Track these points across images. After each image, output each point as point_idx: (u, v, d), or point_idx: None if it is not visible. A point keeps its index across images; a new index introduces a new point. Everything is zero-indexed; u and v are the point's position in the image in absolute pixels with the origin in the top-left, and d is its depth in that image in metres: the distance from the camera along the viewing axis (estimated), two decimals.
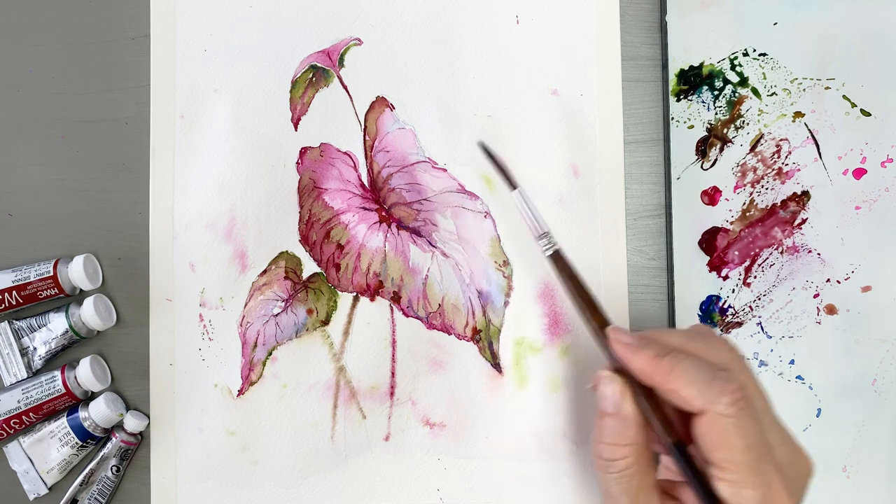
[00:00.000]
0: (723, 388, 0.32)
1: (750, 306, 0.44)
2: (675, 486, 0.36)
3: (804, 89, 0.44)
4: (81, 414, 0.44)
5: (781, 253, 0.44)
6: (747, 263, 0.44)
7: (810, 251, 0.44)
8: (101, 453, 0.44)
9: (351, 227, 0.45)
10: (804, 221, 0.44)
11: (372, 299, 0.45)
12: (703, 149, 0.44)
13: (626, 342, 0.35)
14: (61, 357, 0.45)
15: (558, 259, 0.39)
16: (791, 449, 0.33)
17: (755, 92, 0.44)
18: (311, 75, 0.46)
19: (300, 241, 0.45)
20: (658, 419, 0.34)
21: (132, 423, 0.44)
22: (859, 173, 0.44)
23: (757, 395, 0.33)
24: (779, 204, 0.44)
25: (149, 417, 0.45)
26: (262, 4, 0.46)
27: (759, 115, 0.44)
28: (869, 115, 0.44)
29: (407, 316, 0.45)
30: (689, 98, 0.44)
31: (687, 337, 0.35)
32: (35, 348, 0.44)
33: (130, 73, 0.47)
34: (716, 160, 0.44)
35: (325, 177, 0.45)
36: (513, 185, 0.41)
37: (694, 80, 0.44)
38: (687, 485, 0.34)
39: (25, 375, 0.44)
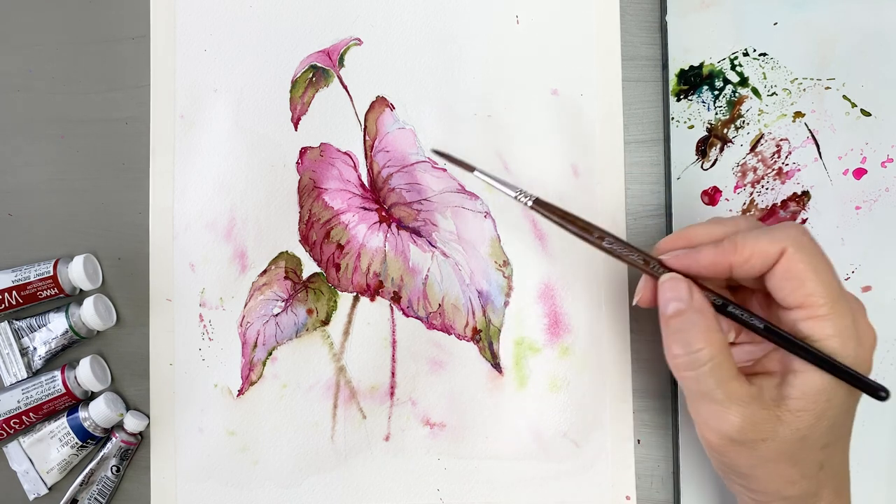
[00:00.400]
0: (786, 225, 0.33)
1: None
2: (754, 366, 0.36)
3: (804, 89, 0.44)
4: (81, 414, 0.44)
5: None
6: None
7: None
8: (101, 453, 0.44)
9: (351, 227, 0.45)
10: (804, 221, 0.44)
11: (372, 299, 0.45)
12: (703, 149, 0.44)
13: (681, 255, 0.35)
14: (61, 357, 0.45)
15: (544, 204, 0.38)
16: (850, 294, 0.34)
17: (755, 92, 0.44)
18: (311, 75, 0.46)
19: (300, 241, 0.45)
20: (740, 312, 0.34)
21: (132, 423, 0.44)
22: (859, 173, 0.44)
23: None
24: (779, 204, 0.44)
25: (149, 417, 0.45)
26: (262, 4, 0.46)
27: (759, 115, 0.44)
28: (869, 115, 0.44)
29: (407, 316, 0.45)
30: (690, 98, 0.44)
31: (713, 226, 0.36)
32: (35, 348, 0.44)
33: (130, 73, 0.47)
34: (716, 160, 0.44)
35: (325, 177, 0.45)
36: (470, 169, 0.41)
37: (694, 80, 0.44)
38: (769, 355, 0.35)
39: (25, 375, 0.44)
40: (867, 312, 0.35)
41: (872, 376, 0.33)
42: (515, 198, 0.39)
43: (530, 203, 0.39)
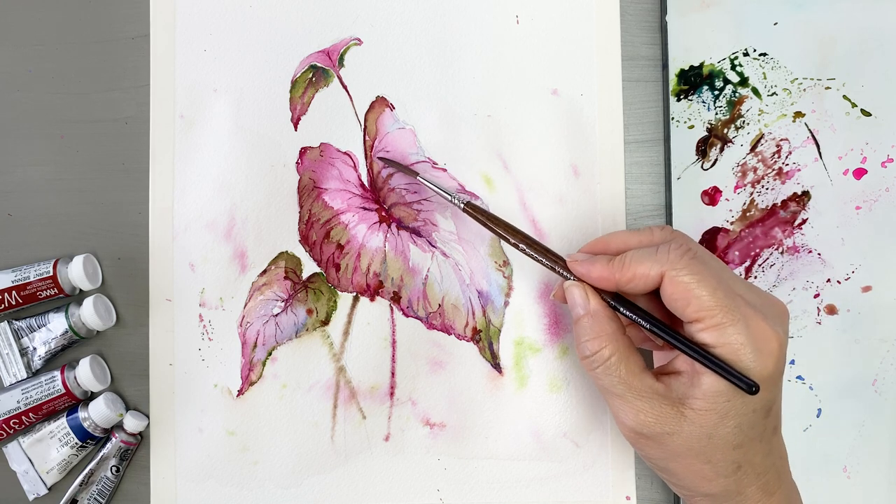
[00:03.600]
0: (667, 250, 0.35)
1: None
2: (667, 366, 0.38)
3: (804, 89, 0.44)
4: (81, 414, 0.44)
5: (782, 253, 0.44)
6: (748, 263, 0.44)
7: (811, 251, 0.44)
8: (101, 453, 0.44)
9: (351, 227, 0.45)
10: (804, 221, 0.44)
11: (372, 299, 0.45)
12: (703, 149, 0.44)
13: (580, 260, 0.38)
14: (61, 357, 0.45)
15: (475, 208, 0.42)
16: (759, 294, 0.36)
17: (755, 92, 0.44)
18: (310, 75, 0.46)
19: (300, 241, 0.45)
20: (629, 310, 0.37)
21: (132, 423, 0.44)
22: (860, 173, 0.44)
23: (705, 253, 0.36)
24: (779, 204, 0.44)
25: (148, 417, 0.45)
26: (262, 4, 0.46)
27: (759, 115, 0.44)
28: (869, 115, 0.44)
29: (407, 316, 0.45)
30: (690, 98, 0.44)
31: (629, 234, 0.39)
32: (35, 348, 0.44)
33: (130, 73, 0.47)
34: (716, 160, 0.44)
35: (325, 177, 0.45)
36: (414, 174, 0.44)
37: (694, 80, 0.44)
38: (679, 357, 0.37)
39: (25, 375, 0.44)
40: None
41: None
42: (451, 201, 0.42)
43: (462, 206, 0.42)
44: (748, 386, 0.33)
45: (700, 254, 0.36)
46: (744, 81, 0.44)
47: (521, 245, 0.40)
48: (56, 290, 0.44)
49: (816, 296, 0.44)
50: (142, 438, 0.45)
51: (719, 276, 0.35)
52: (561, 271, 0.39)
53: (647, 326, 0.37)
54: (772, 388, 0.34)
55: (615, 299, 0.38)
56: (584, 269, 0.38)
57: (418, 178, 0.43)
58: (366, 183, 0.45)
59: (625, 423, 0.36)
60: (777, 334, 0.34)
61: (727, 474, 0.35)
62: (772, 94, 0.44)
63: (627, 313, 0.37)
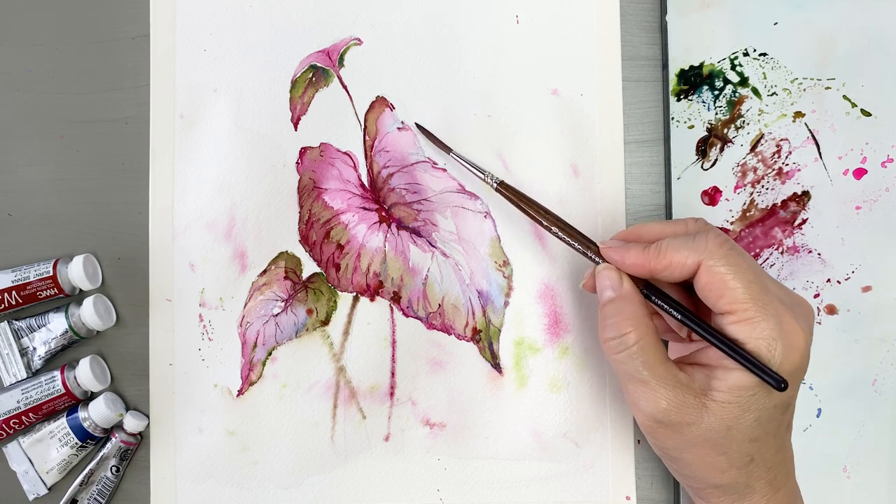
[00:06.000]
0: (705, 239, 0.35)
1: None
2: (689, 357, 0.37)
3: (804, 89, 0.44)
4: (81, 414, 0.44)
5: (782, 253, 0.44)
6: None
7: (810, 251, 0.44)
8: (101, 453, 0.44)
9: (351, 227, 0.45)
10: (804, 221, 0.44)
11: (372, 299, 0.45)
12: (703, 149, 0.44)
13: (615, 247, 0.38)
14: (61, 357, 0.45)
15: (508, 187, 0.41)
16: (787, 291, 0.36)
17: (755, 92, 0.44)
18: (310, 75, 0.46)
19: (300, 241, 0.45)
20: (661, 299, 0.37)
21: (132, 423, 0.44)
22: (860, 173, 0.44)
23: (741, 248, 0.36)
24: (779, 204, 0.44)
25: (148, 417, 0.45)
26: (262, 4, 0.46)
27: (759, 115, 0.44)
28: (869, 115, 0.44)
29: (407, 316, 0.45)
30: (690, 98, 0.44)
31: (663, 224, 0.39)
32: (34, 348, 0.44)
33: (130, 73, 0.47)
34: (716, 160, 0.44)
35: (325, 177, 0.45)
36: (448, 149, 0.44)
37: (694, 80, 0.44)
38: (704, 350, 0.36)
39: (25, 375, 0.44)
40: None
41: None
42: (483, 180, 0.42)
43: (495, 185, 0.42)
44: (777, 382, 0.33)
45: (736, 246, 0.35)
46: (744, 81, 0.44)
47: (553, 228, 0.40)
48: (56, 290, 0.44)
49: (816, 296, 0.44)
50: (142, 438, 0.45)
51: (755, 269, 0.35)
52: (593, 256, 0.39)
53: (679, 317, 0.36)
54: (795, 385, 0.35)
55: (647, 287, 0.37)
56: (619, 255, 0.37)
57: (451, 154, 0.43)
58: (366, 183, 0.45)
59: (644, 411, 0.36)
60: (805, 332, 0.34)
61: (740, 466, 0.35)
62: (772, 94, 0.44)
63: (660, 302, 0.37)
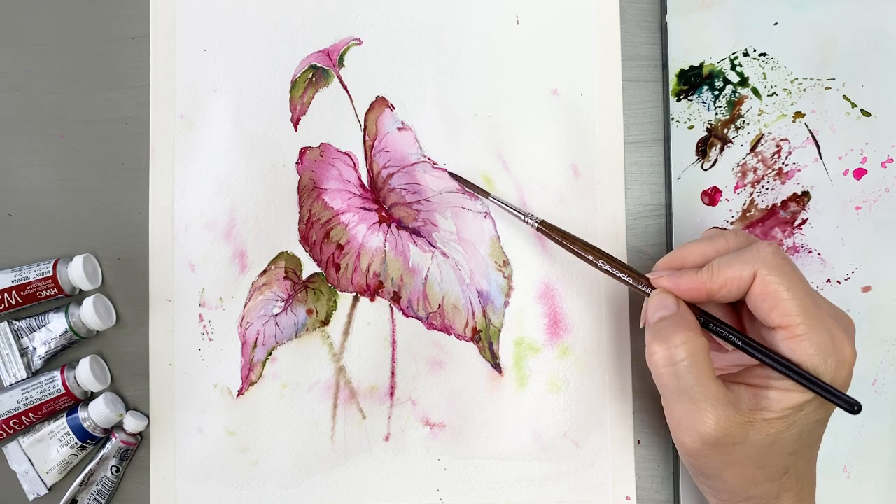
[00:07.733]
0: (757, 249, 0.34)
1: None
2: (735, 376, 0.36)
3: (804, 89, 0.44)
4: (81, 414, 0.44)
5: None
6: None
7: (811, 251, 0.44)
8: (101, 453, 0.44)
9: (351, 227, 0.45)
10: (804, 222, 0.44)
11: (372, 299, 0.45)
12: (703, 149, 0.44)
13: (667, 276, 0.37)
14: (61, 357, 0.45)
15: (549, 226, 0.41)
16: (832, 305, 0.35)
17: (755, 92, 0.44)
18: (310, 75, 0.46)
19: (300, 241, 0.45)
20: (719, 326, 0.36)
21: (132, 423, 0.44)
22: (860, 173, 0.44)
23: (790, 259, 0.35)
24: (779, 204, 0.44)
25: (148, 418, 0.45)
26: (262, 4, 0.46)
27: (759, 115, 0.44)
28: (869, 115, 0.44)
29: (407, 316, 0.45)
30: (690, 98, 0.44)
31: (703, 244, 0.37)
32: (34, 348, 0.44)
33: (130, 73, 0.47)
34: (716, 160, 0.44)
35: (325, 177, 0.45)
36: (485, 193, 0.43)
37: (694, 80, 0.44)
38: (750, 369, 0.36)
39: (25, 376, 0.44)
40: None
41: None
42: (524, 220, 0.42)
43: (535, 225, 0.41)
44: (851, 406, 0.33)
45: (787, 256, 0.35)
46: (744, 81, 0.44)
47: (599, 262, 0.39)
48: (56, 290, 0.44)
49: None
50: (142, 438, 0.45)
51: (805, 281, 0.34)
52: (644, 288, 0.38)
53: (739, 343, 0.35)
54: None
55: (703, 315, 0.36)
56: (672, 283, 0.36)
57: (490, 197, 0.43)
58: (366, 183, 0.45)
59: (695, 431, 0.34)
60: (851, 346, 0.34)
61: (774, 478, 0.35)
62: (772, 95, 0.44)
63: (718, 329, 0.36)
